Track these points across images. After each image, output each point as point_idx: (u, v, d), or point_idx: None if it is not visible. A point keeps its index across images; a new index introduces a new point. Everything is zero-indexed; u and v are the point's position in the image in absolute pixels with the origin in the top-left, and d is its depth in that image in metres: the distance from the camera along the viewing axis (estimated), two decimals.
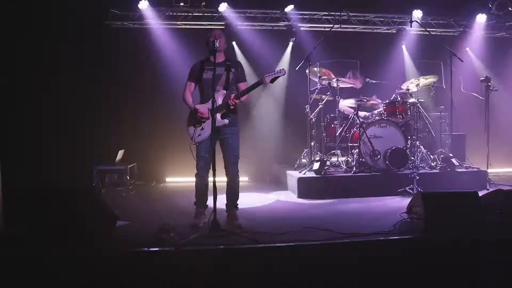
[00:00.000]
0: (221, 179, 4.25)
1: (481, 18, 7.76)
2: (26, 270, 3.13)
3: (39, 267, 3.14)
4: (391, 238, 3.75)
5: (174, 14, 7.30)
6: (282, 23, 7.71)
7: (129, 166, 6.58)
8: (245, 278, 3.25)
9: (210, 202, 4.29)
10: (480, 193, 4.12)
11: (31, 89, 6.67)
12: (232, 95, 4.18)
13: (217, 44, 3.97)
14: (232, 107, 4.17)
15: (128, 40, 7.22)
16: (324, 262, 3.39)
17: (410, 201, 4.27)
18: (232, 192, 4.29)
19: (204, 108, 4.22)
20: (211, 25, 7.43)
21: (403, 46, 8.01)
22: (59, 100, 6.77)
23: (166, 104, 7.11)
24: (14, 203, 3.86)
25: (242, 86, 4.35)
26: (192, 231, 3.86)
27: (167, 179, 7.49)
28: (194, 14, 7.34)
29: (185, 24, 7.44)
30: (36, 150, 6.46)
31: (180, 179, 7.25)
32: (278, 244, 3.49)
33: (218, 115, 4.14)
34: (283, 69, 4.21)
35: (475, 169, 6.25)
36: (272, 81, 4.16)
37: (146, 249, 3.34)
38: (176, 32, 7.36)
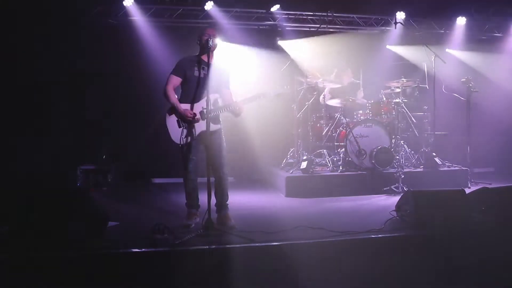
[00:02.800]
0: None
1: (461, 21, 7.98)
2: (16, 271, 3.05)
3: (30, 268, 3.06)
4: (382, 235, 3.81)
5: (160, 11, 7.22)
6: (267, 23, 7.73)
7: (114, 166, 6.47)
8: (242, 278, 3.25)
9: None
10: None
11: (12, 87, 6.47)
12: (235, 101, 4.14)
13: (210, 43, 3.93)
14: (237, 113, 4.11)
15: (113, 37, 7.06)
16: (320, 260, 3.42)
17: (399, 199, 4.35)
18: (223, 193, 4.25)
19: (195, 109, 4.10)
20: (197, 23, 7.39)
21: (387, 47, 8.15)
22: (41, 98, 6.60)
23: (151, 102, 7.00)
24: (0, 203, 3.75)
25: (226, 92, 4.29)
26: (186, 231, 3.82)
27: (152, 179, 7.39)
28: (180, 11, 7.27)
29: (170, 22, 7.36)
30: (18, 149, 6.28)
31: (165, 179, 7.17)
32: (273, 243, 3.50)
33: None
34: (288, 86, 4.19)
35: (457, 168, 6.43)
36: (278, 96, 4.14)
37: (141, 250, 3.29)
38: (162, 30, 7.27)
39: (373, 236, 3.78)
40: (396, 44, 8.11)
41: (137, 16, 7.08)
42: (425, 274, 3.46)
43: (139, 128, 7.22)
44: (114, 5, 6.98)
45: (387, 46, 8.17)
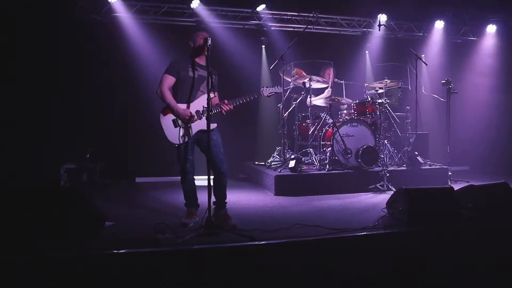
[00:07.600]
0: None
1: (439, 24, 8.27)
2: (13, 272, 2.96)
3: (28, 270, 2.98)
4: (377, 232, 3.92)
5: (145, 8, 7.14)
6: (253, 22, 7.77)
7: (98, 165, 6.34)
8: (245, 277, 3.27)
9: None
10: None
11: None
12: (226, 101, 4.15)
13: (209, 46, 3.91)
14: (224, 113, 4.14)
15: (97, 34, 6.91)
16: (321, 258, 3.48)
17: (391, 197, 4.47)
18: (222, 191, 4.26)
19: (192, 109, 4.13)
20: (182, 21, 7.36)
21: (367, 52, 8.35)
22: (23, 95, 6.38)
23: (136, 100, 6.93)
24: None
25: (213, 94, 4.25)
26: (187, 230, 3.81)
27: (137, 178, 7.26)
28: (165, 9, 7.21)
29: (155, 19, 7.28)
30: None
31: (150, 178, 7.08)
32: (275, 241, 3.53)
33: (204, 118, 4.11)
34: (280, 86, 4.32)
35: (438, 166, 6.66)
36: (269, 95, 4.25)
37: (144, 249, 3.26)
38: (147, 27, 7.20)
39: (366, 233, 3.89)
40: (377, 46, 8.31)
41: (122, 13, 7.00)
42: (420, 270, 3.58)
43: (123, 126, 7.12)
44: (98, 1, 6.83)
45: (367, 52, 8.38)
